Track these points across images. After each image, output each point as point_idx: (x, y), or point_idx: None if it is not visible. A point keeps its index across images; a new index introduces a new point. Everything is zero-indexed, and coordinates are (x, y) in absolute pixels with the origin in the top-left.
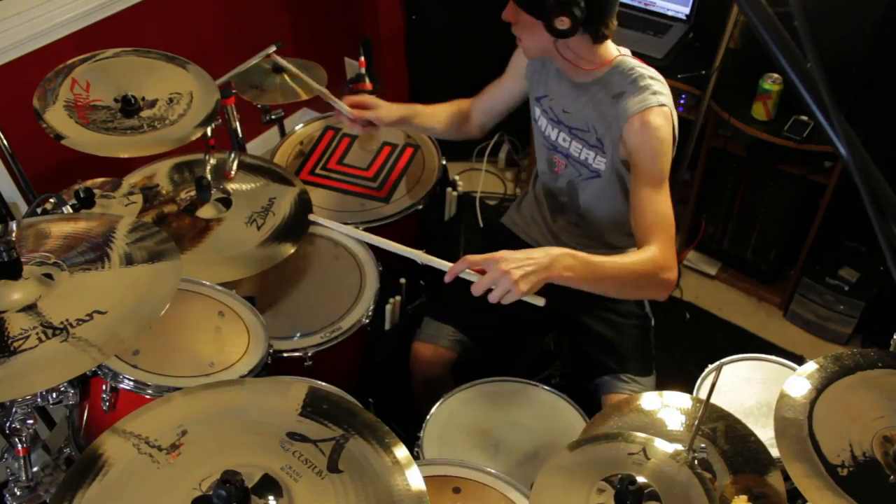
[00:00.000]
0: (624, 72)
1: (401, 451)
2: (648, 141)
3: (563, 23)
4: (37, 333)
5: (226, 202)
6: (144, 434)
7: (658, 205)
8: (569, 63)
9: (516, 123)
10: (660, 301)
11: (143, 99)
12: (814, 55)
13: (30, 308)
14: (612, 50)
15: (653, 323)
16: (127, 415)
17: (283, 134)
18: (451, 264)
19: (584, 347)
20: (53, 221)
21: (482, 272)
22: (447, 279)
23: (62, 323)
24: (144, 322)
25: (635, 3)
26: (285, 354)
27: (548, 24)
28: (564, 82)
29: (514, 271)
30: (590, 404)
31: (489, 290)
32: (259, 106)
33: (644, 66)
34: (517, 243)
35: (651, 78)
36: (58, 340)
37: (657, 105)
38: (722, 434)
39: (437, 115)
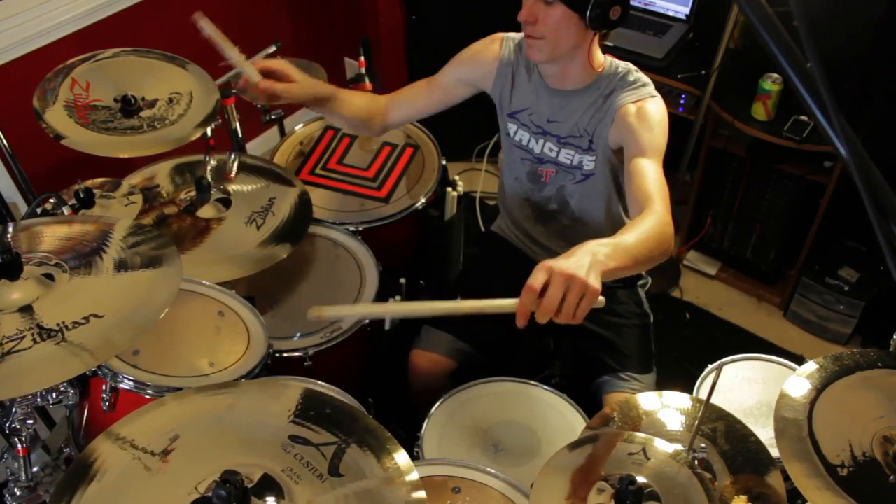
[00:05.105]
0: (612, 72)
1: (401, 457)
2: (646, 120)
3: (616, 12)
4: (31, 335)
5: (226, 202)
6: (137, 439)
7: (656, 174)
8: (574, 66)
9: None
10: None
11: (143, 99)
12: (814, 55)
13: (26, 309)
14: (599, 54)
15: (651, 320)
16: (121, 419)
17: (282, 134)
18: (513, 301)
19: (584, 348)
20: (49, 224)
21: (542, 294)
22: (520, 323)
23: (58, 325)
24: (140, 328)
25: (635, 3)
26: (285, 354)
27: (590, 14)
28: (547, 93)
29: (577, 271)
30: (590, 404)
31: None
32: (259, 106)
33: (626, 63)
34: (513, 250)
35: (637, 72)
36: (52, 343)
37: (650, 97)
38: (722, 434)
39: (352, 105)
